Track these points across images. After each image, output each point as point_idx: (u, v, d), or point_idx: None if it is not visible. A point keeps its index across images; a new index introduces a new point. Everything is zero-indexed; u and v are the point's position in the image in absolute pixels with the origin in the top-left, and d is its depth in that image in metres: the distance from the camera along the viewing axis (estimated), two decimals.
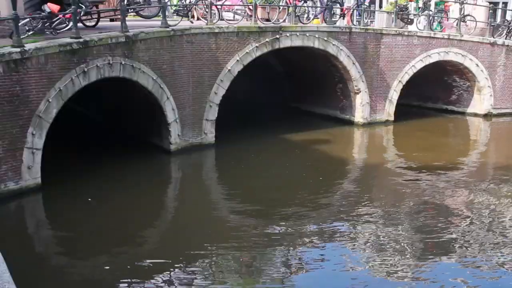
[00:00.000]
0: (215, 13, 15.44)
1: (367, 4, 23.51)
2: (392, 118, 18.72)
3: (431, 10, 21.03)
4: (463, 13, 20.29)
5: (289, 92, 21.23)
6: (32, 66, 10.28)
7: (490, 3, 24.82)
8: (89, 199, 10.59)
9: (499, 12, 26.60)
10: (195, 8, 16.49)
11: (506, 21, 21.97)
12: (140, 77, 12.68)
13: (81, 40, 11.17)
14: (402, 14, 20.33)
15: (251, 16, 16.33)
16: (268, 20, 17.39)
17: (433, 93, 21.42)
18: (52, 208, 10.59)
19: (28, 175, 10.57)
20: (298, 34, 16.11)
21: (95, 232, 9.45)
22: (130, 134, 15.50)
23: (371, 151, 16.43)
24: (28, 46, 10.27)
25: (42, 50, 10.40)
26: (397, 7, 19.84)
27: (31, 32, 11.19)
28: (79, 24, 12.40)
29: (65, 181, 11.49)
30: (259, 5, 17.47)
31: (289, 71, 20.69)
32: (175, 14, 16.56)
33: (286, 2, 17.74)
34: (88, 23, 14.54)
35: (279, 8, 17.62)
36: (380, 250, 8.92)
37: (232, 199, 11.68)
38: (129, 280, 7.78)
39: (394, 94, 18.56)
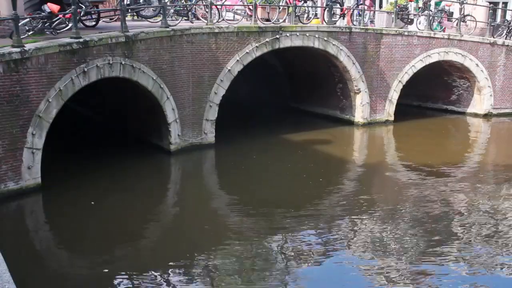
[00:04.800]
0: (215, 13, 15.44)
1: (367, 4, 23.49)
2: (392, 118, 18.71)
3: (431, 10, 21.02)
4: (463, 13, 20.29)
5: (289, 92, 21.23)
6: (32, 66, 10.28)
7: (490, 3, 24.81)
8: (92, 203, 10.55)
9: (499, 12, 26.60)
10: (195, 8, 16.48)
11: (506, 21, 21.96)
12: (140, 77, 12.68)
13: (81, 40, 11.17)
14: (402, 14, 20.32)
15: (251, 16, 16.33)
16: (268, 20, 17.39)
17: (433, 93, 21.42)
18: (52, 208, 10.59)
19: (28, 175, 10.57)
20: (298, 34, 16.11)
21: (95, 232, 9.45)
22: (130, 134, 15.51)
23: (371, 152, 16.42)
24: (28, 46, 10.27)
25: (42, 50, 10.40)
26: (397, 7, 19.83)
27: (31, 32, 11.19)
28: (79, 24, 12.39)
29: (65, 181, 11.49)
30: (259, 5, 17.47)
31: (289, 71, 20.69)
32: (175, 14, 16.57)
33: (286, 2, 17.74)
34: (88, 23, 14.54)
35: (279, 8, 17.62)
36: (381, 251, 8.91)
37: (232, 199, 11.67)
38: (129, 280, 7.78)
39: (394, 94, 18.56)
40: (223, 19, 15.79)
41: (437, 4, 24.59)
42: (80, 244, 8.97)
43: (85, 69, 11.30)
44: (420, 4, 22.43)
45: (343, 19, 20.37)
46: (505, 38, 20.45)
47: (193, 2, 16.52)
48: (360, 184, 12.93)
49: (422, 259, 8.61)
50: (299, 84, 20.41)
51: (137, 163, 13.28)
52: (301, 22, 17.42)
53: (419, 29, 19.44)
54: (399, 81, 18.53)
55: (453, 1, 22.20)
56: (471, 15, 20.87)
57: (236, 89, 15.95)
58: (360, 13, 19.44)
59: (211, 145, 14.93)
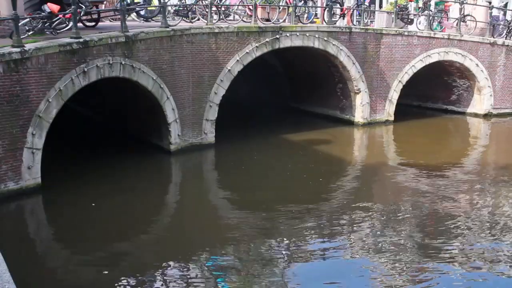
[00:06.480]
0: (216, 14, 15.44)
1: (367, 4, 23.52)
2: (392, 118, 18.72)
3: (431, 10, 21.02)
4: (463, 13, 20.28)
5: (289, 92, 21.23)
6: (32, 66, 10.28)
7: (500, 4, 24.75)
8: (93, 204, 10.54)
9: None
10: (195, 8, 16.50)
11: (506, 21, 21.96)
12: (140, 77, 12.68)
13: (81, 40, 11.17)
14: (402, 14, 20.31)
15: (251, 16, 16.33)
16: (268, 20, 17.40)
17: (433, 93, 21.42)
18: (52, 208, 10.59)
19: (28, 175, 10.57)
20: (298, 34, 16.12)
21: (95, 232, 9.44)
22: (130, 134, 15.52)
23: (371, 152, 16.42)
24: (28, 46, 10.28)
25: (42, 50, 10.40)
26: (397, 7, 19.83)
27: (31, 32, 11.20)
28: (79, 24, 12.40)
29: (65, 181, 11.49)
30: (259, 5, 17.48)
31: (289, 71, 20.70)
32: (175, 15, 16.58)
33: (286, 2, 17.74)
34: (88, 23, 14.54)
35: (279, 8, 17.62)
36: (381, 252, 8.90)
37: (232, 200, 11.67)
38: (129, 280, 7.78)
39: (394, 94, 18.56)
40: (223, 19, 15.79)
41: (437, 4, 24.57)
42: (80, 244, 8.96)
43: (85, 69, 11.30)
44: (420, 4, 22.43)
45: (343, 19, 20.38)
46: (505, 38, 20.45)
47: (193, 2, 16.53)
48: (360, 184, 12.93)
49: (422, 258, 8.60)
50: (299, 84, 20.41)
51: (137, 163, 13.28)
52: (301, 22, 17.42)
53: (419, 29, 19.44)
54: (399, 81, 18.53)
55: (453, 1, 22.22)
56: (471, 15, 20.88)
57: (236, 89, 15.94)
58: (360, 13, 19.44)
59: (211, 145, 14.94)
